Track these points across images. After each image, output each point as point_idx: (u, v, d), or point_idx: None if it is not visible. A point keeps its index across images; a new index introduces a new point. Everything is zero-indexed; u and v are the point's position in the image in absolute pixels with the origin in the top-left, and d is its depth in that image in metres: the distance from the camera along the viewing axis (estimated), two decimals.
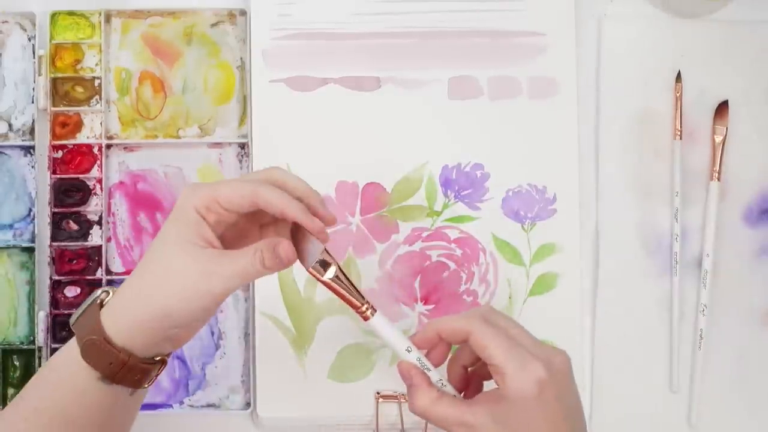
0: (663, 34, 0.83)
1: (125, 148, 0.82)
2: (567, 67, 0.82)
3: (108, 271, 0.81)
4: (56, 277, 0.80)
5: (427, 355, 0.65)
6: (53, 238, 0.80)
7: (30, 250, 0.80)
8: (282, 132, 0.81)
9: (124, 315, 0.60)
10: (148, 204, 0.82)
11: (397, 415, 0.79)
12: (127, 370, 0.60)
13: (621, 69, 0.83)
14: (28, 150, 0.81)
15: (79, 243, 0.81)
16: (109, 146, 0.82)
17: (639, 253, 0.82)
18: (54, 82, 0.81)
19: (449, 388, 0.65)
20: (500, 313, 0.65)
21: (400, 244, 0.81)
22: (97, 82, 0.82)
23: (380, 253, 0.80)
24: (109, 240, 0.81)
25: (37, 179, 0.81)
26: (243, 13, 0.82)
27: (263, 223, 0.64)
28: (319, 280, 0.63)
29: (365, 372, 0.80)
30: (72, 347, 0.61)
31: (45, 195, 0.80)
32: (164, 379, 0.80)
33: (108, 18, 0.82)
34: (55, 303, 0.80)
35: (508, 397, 0.60)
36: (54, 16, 0.82)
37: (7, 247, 0.80)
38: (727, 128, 0.82)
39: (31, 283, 0.80)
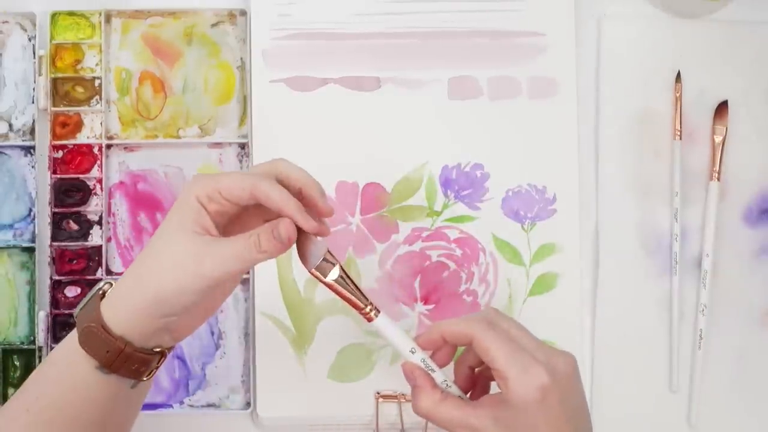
0: (663, 34, 0.83)
1: (125, 148, 0.82)
2: (567, 67, 0.82)
3: (108, 271, 0.81)
4: (56, 277, 0.80)
5: (432, 356, 0.65)
6: (53, 238, 0.80)
7: (30, 250, 0.80)
8: (282, 132, 0.81)
9: (121, 303, 0.61)
10: (148, 204, 0.82)
11: (397, 415, 0.79)
12: (124, 358, 0.60)
13: (621, 69, 0.83)
14: (29, 150, 0.81)
15: (79, 243, 0.81)
16: (109, 146, 0.82)
17: (639, 253, 0.82)
18: (54, 82, 0.81)
19: (454, 389, 0.64)
20: (505, 316, 0.64)
21: (400, 244, 0.81)
22: (97, 82, 0.82)
23: (380, 253, 0.80)
24: (109, 240, 0.81)
25: (37, 179, 0.81)
26: (243, 13, 0.82)
27: (267, 219, 0.64)
28: (322, 281, 0.63)
29: (365, 372, 0.80)
30: (71, 339, 0.62)
31: (45, 195, 0.80)
32: (164, 379, 0.80)
33: (108, 18, 0.82)
34: (55, 303, 0.80)
35: (511, 402, 0.60)
36: (54, 16, 0.82)
37: (7, 247, 0.80)
38: (726, 128, 0.82)
39: (32, 283, 0.80)
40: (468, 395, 0.66)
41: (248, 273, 0.80)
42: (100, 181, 0.81)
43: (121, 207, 0.82)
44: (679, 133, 0.82)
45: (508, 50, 0.82)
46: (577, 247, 0.81)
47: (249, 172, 0.63)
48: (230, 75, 0.83)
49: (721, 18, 0.84)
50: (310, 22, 0.81)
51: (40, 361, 0.79)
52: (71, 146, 0.81)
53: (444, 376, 0.64)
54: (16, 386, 0.79)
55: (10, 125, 0.82)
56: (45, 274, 0.80)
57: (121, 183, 0.82)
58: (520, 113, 0.81)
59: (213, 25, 0.83)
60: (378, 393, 0.79)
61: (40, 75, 0.81)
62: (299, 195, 0.62)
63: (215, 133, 0.82)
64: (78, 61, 0.82)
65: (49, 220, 0.80)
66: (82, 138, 0.82)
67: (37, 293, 0.80)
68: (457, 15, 0.82)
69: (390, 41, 0.82)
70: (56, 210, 0.81)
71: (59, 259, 0.80)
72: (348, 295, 0.63)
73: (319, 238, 0.62)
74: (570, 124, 0.82)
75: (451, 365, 0.66)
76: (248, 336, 0.81)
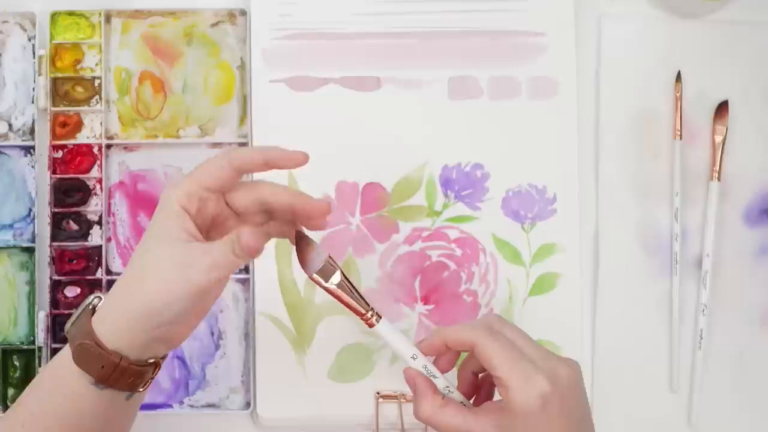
0: (663, 34, 0.83)
1: (125, 148, 0.82)
2: (567, 67, 0.82)
3: (108, 271, 0.81)
4: (56, 277, 0.80)
5: (435, 362, 0.65)
6: (53, 238, 0.80)
7: (30, 250, 0.80)
8: (282, 132, 0.81)
9: (113, 317, 0.60)
10: (148, 204, 0.82)
11: (397, 415, 0.79)
12: (119, 373, 0.60)
13: (621, 69, 0.83)
14: (28, 150, 0.81)
15: (79, 243, 0.81)
16: (109, 146, 0.82)
17: (639, 253, 0.82)
18: (54, 82, 0.81)
19: (456, 395, 0.64)
20: (507, 323, 0.64)
21: (400, 244, 0.81)
22: (97, 82, 0.82)
23: (380, 253, 0.80)
24: (109, 240, 0.81)
25: (37, 179, 0.81)
26: (243, 13, 0.82)
27: (256, 222, 0.64)
28: (322, 287, 0.63)
29: (365, 372, 0.80)
30: (65, 354, 0.61)
31: (45, 195, 0.80)
32: (164, 379, 0.80)
33: (108, 18, 0.82)
34: (55, 303, 0.80)
35: (512, 410, 0.60)
36: (54, 16, 0.82)
37: (7, 247, 0.80)
38: (727, 128, 0.82)
39: (31, 283, 0.80)
40: (472, 400, 0.66)
41: (248, 273, 0.80)
42: (100, 181, 0.81)
43: (121, 207, 0.82)
44: (679, 133, 0.82)
45: (508, 50, 0.82)
46: (577, 247, 0.81)
47: (225, 158, 0.62)
48: (230, 75, 0.83)
49: (721, 18, 0.84)
50: (310, 22, 0.81)
51: (39, 361, 0.79)
52: (71, 146, 0.81)
53: (446, 382, 0.64)
54: (16, 386, 0.80)
55: (10, 125, 0.82)
56: (45, 274, 0.80)
57: (121, 183, 0.82)
58: (520, 113, 0.81)
59: (213, 25, 0.83)
60: (378, 393, 0.79)
61: (39, 75, 0.81)
62: (291, 210, 0.62)
63: (215, 133, 0.82)
64: (78, 61, 0.82)
65: (48, 220, 0.80)
66: (82, 138, 0.82)
67: (37, 293, 0.80)
68: (458, 15, 0.82)
69: (390, 41, 0.82)
70: (56, 210, 0.81)
71: (59, 259, 0.80)
72: (349, 300, 0.63)
73: (319, 243, 0.62)
74: (570, 124, 0.82)
75: (455, 370, 0.66)
76: (248, 336, 0.81)
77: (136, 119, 0.82)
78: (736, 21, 0.83)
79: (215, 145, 0.82)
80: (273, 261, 0.79)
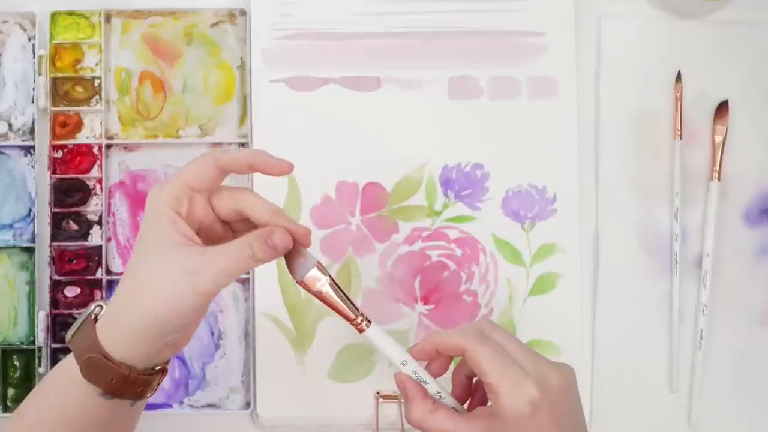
0: (663, 34, 0.83)
1: (125, 148, 0.82)
2: (567, 67, 0.82)
3: (108, 271, 0.81)
4: (56, 277, 0.80)
5: (427, 366, 0.65)
6: (53, 238, 0.80)
7: (30, 250, 0.80)
8: (282, 132, 0.81)
9: (119, 329, 0.59)
10: None
11: (397, 415, 0.79)
12: (129, 384, 0.60)
13: (621, 69, 0.83)
14: (28, 150, 0.81)
15: (79, 243, 0.81)
16: (109, 146, 0.82)
17: (639, 253, 0.82)
18: (54, 82, 0.81)
19: (448, 400, 0.65)
20: (499, 328, 0.64)
21: (400, 244, 0.81)
22: (97, 82, 0.82)
23: (380, 253, 0.80)
24: (109, 240, 0.81)
25: (37, 179, 0.81)
26: (243, 13, 0.82)
27: (237, 229, 0.64)
28: (310, 292, 0.63)
29: (365, 372, 0.80)
30: (70, 364, 0.60)
31: (45, 195, 0.80)
32: (164, 379, 0.80)
33: (108, 18, 0.82)
34: (55, 303, 0.80)
35: (501, 416, 0.60)
36: (54, 16, 0.82)
37: (7, 247, 0.80)
38: (727, 128, 0.82)
39: (31, 283, 0.80)
40: (467, 405, 0.66)
41: (248, 273, 0.80)
42: (99, 181, 0.81)
43: (120, 207, 0.82)
44: (679, 133, 0.82)
45: (508, 50, 0.82)
46: (577, 247, 0.81)
47: (210, 158, 0.62)
48: (230, 75, 0.83)
49: (721, 18, 0.84)
50: (310, 22, 0.81)
51: (39, 360, 0.79)
52: (71, 146, 0.81)
53: (438, 386, 0.64)
54: (16, 386, 0.80)
55: (10, 125, 0.82)
56: (45, 274, 0.80)
57: (121, 183, 0.82)
58: (520, 113, 0.81)
59: (213, 25, 0.83)
60: (378, 393, 0.79)
61: (39, 75, 0.81)
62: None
63: (215, 133, 0.82)
64: (78, 61, 0.82)
65: (48, 220, 0.80)
66: (81, 138, 0.82)
67: (37, 293, 0.80)
68: (458, 15, 0.82)
69: (390, 41, 0.82)
70: (56, 210, 0.81)
71: (59, 259, 0.80)
72: (337, 305, 0.63)
73: (308, 250, 0.62)
74: (570, 124, 0.82)
75: (449, 375, 0.66)
76: (248, 336, 0.81)
77: (136, 119, 0.82)
78: (736, 21, 0.83)
79: (215, 145, 0.82)
80: (273, 261, 0.79)
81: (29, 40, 0.82)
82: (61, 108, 0.81)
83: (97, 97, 0.82)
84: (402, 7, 0.82)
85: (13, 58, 0.82)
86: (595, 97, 0.83)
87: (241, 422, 0.80)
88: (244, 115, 0.82)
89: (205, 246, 0.60)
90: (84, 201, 0.81)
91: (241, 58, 0.83)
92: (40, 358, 0.79)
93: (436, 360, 0.65)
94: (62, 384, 0.61)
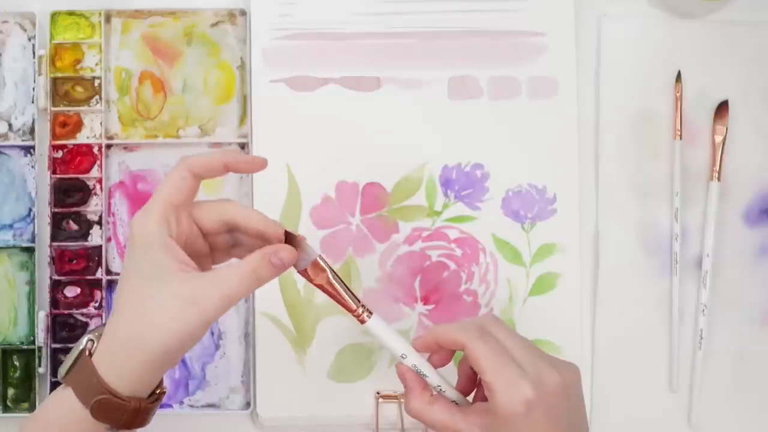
0: (663, 34, 0.83)
1: (125, 148, 0.82)
2: (567, 67, 0.82)
3: (108, 271, 0.81)
4: (56, 277, 0.80)
5: (429, 358, 0.65)
6: (53, 238, 0.80)
7: (30, 250, 0.80)
8: (282, 132, 0.81)
9: (123, 365, 0.58)
10: None
11: (397, 415, 0.79)
12: (140, 415, 0.59)
13: (621, 69, 0.83)
14: (28, 150, 0.81)
15: (79, 243, 0.81)
16: (109, 146, 0.82)
17: (639, 253, 0.82)
18: (54, 82, 0.81)
19: (450, 393, 0.65)
20: (501, 325, 0.64)
21: (400, 244, 0.81)
22: (97, 82, 0.82)
23: (380, 253, 0.80)
24: (109, 240, 0.81)
25: (37, 179, 0.81)
26: (243, 13, 0.82)
27: (222, 248, 0.64)
28: (312, 282, 0.63)
29: (365, 372, 0.80)
30: (71, 403, 0.59)
31: (45, 195, 0.80)
32: (164, 379, 0.80)
33: (108, 18, 0.82)
34: (55, 303, 0.80)
35: (497, 413, 0.61)
36: (54, 16, 0.82)
37: (7, 247, 0.80)
38: (727, 128, 0.82)
39: (31, 283, 0.80)
40: (472, 396, 0.66)
41: None
42: (99, 181, 0.81)
43: (120, 207, 0.82)
44: (679, 133, 0.82)
45: (508, 50, 0.82)
46: (577, 247, 0.81)
47: (183, 168, 0.61)
48: (230, 75, 0.83)
49: (721, 18, 0.84)
50: (310, 22, 0.81)
51: (39, 360, 0.78)
52: (71, 146, 0.81)
53: (439, 379, 0.65)
54: (16, 386, 0.80)
55: (10, 125, 0.82)
56: (45, 274, 0.80)
57: (121, 183, 0.82)
58: (520, 113, 0.81)
59: (213, 25, 0.83)
60: (378, 393, 0.79)
61: (39, 75, 0.81)
62: (261, 237, 0.61)
63: (215, 133, 0.82)
64: (78, 61, 0.82)
65: (48, 220, 0.80)
66: (81, 138, 0.82)
67: (37, 293, 0.80)
68: (458, 15, 0.82)
69: (390, 41, 0.82)
70: (56, 210, 0.81)
71: (59, 259, 0.80)
72: (338, 296, 0.63)
73: (309, 243, 0.62)
74: (570, 124, 0.82)
75: (446, 369, 0.66)
76: (248, 336, 0.81)
77: (136, 119, 0.82)
78: (736, 21, 0.83)
79: (215, 145, 0.82)
80: None
81: (29, 40, 0.82)
82: (61, 108, 0.81)
83: (97, 97, 0.82)
84: (402, 7, 0.82)
85: (13, 58, 0.82)
86: (595, 97, 0.83)
87: (241, 422, 0.80)
88: (244, 115, 0.82)
89: (199, 268, 0.60)
90: (84, 201, 0.81)
91: (241, 58, 0.83)
92: (40, 358, 0.79)
93: (437, 353, 0.66)
94: (70, 423, 0.59)
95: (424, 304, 0.80)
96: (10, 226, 0.81)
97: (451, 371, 0.67)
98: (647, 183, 0.82)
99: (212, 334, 0.81)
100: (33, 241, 0.80)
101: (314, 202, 0.80)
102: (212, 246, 0.63)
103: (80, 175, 0.81)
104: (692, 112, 0.83)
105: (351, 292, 0.64)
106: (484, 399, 0.63)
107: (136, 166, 0.82)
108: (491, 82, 0.82)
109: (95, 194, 0.81)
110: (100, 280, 0.80)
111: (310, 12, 0.81)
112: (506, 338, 0.63)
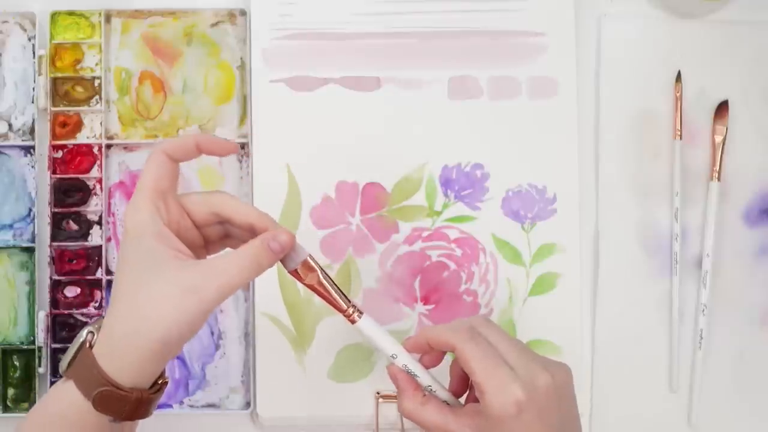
0: (663, 34, 0.83)
1: (125, 148, 0.82)
2: (567, 67, 0.82)
3: (108, 271, 0.81)
4: (56, 277, 0.80)
5: (421, 359, 0.65)
6: (53, 238, 0.80)
7: (30, 250, 0.80)
8: (282, 132, 0.81)
9: (124, 356, 0.58)
10: None
11: (397, 415, 0.79)
12: (142, 406, 0.59)
13: (621, 69, 0.83)
14: (28, 150, 0.81)
15: (79, 243, 0.81)
16: (109, 146, 0.82)
17: (639, 253, 0.82)
18: (54, 82, 0.81)
19: (441, 393, 0.65)
20: (493, 326, 0.64)
21: (400, 244, 0.81)
22: (97, 82, 0.82)
23: (380, 253, 0.80)
24: (109, 240, 0.81)
25: (37, 179, 0.81)
26: (243, 13, 0.82)
27: (214, 239, 0.64)
28: (302, 282, 0.63)
29: (365, 372, 0.80)
30: (73, 396, 0.59)
31: (45, 195, 0.80)
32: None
33: (108, 18, 0.82)
34: (55, 303, 0.80)
35: (488, 415, 0.61)
36: (54, 16, 0.82)
37: (7, 247, 0.80)
38: (727, 128, 0.82)
39: (31, 283, 0.80)
40: (464, 398, 0.66)
41: None
42: (99, 181, 0.81)
43: (120, 207, 0.82)
44: (679, 133, 0.82)
45: (508, 50, 0.82)
46: (577, 247, 0.81)
47: (159, 154, 0.61)
48: (230, 75, 0.83)
49: (721, 18, 0.84)
50: (310, 22, 0.81)
51: (39, 360, 0.78)
52: (71, 146, 0.81)
53: (430, 379, 0.65)
54: (16, 386, 0.80)
55: (10, 125, 0.82)
56: (45, 274, 0.80)
57: (121, 183, 0.82)
58: (520, 113, 0.81)
59: (213, 25, 0.83)
60: (378, 393, 0.79)
61: (39, 75, 0.81)
62: (251, 229, 0.61)
63: (215, 133, 0.82)
64: (78, 61, 0.82)
65: (48, 220, 0.80)
66: (81, 138, 0.82)
67: (37, 293, 0.80)
68: (458, 15, 0.82)
69: (390, 41, 0.82)
70: (56, 210, 0.81)
71: (59, 259, 0.80)
72: (329, 296, 0.63)
73: (300, 243, 0.62)
74: (570, 124, 0.82)
75: (437, 370, 0.66)
76: (248, 336, 0.81)
77: (136, 119, 0.82)
78: (736, 21, 0.83)
79: None
80: None
81: (29, 40, 0.82)
82: (61, 108, 0.81)
83: (97, 97, 0.82)
84: (402, 7, 0.82)
85: (13, 58, 0.82)
86: (595, 97, 0.83)
87: (241, 422, 0.80)
88: (244, 115, 0.82)
89: (194, 256, 0.60)
90: (84, 201, 0.81)
91: (241, 58, 0.83)
92: (40, 358, 0.79)
93: (429, 353, 0.66)
94: (72, 415, 0.59)
95: (424, 304, 0.80)
96: (10, 226, 0.81)
97: (445, 372, 0.67)
98: (647, 183, 0.82)
99: (212, 334, 0.81)
100: (33, 241, 0.80)
101: (314, 202, 0.80)
102: (205, 237, 0.63)
103: (80, 175, 0.81)
104: (692, 112, 0.83)
105: (341, 292, 0.64)
106: (476, 400, 0.63)
107: (136, 166, 0.82)
108: (491, 82, 0.82)
109: (95, 194, 0.81)
110: (100, 280, 0.80)
111: (310, 12, 0.81)
112: (497, 340, 0.63)
